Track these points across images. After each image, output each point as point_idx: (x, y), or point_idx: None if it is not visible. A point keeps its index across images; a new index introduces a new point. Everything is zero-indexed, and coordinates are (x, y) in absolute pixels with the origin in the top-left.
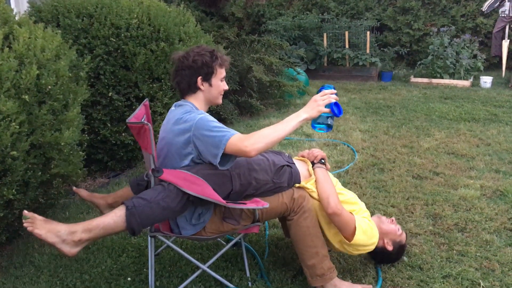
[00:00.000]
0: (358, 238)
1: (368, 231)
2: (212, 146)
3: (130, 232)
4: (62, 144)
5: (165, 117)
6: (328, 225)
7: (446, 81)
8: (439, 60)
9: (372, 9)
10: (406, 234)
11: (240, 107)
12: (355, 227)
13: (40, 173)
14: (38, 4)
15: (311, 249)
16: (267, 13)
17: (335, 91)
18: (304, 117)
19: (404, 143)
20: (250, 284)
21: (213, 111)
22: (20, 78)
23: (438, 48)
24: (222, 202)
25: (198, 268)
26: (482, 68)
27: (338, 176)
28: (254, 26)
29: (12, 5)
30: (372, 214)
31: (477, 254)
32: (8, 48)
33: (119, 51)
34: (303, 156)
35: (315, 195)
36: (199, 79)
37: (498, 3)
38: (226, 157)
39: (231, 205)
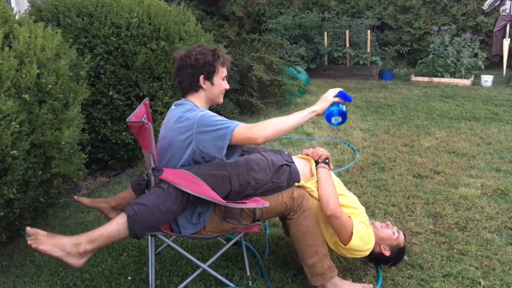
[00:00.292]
0: (354, 243)
1: (365, 237)
2: (217, 139)
3: (133, 238)
4: (62, 143)
5: (165, 116)
6: (326, 225)
7: (447, 80)
8: (439, 59)
9: (373, 8)
10: (405, 234)
11: (241, 106)
12: (352, 232)
13: (40, 172)
14: (38, 3)
15: (311, 248)
16: (268, 12)
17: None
18: (314, 109)
19: (404, 142)
20: (250, 283)
21: (213, 110)
22: (20, 77)
23: (439, 47)
24: (222, 202)
25: (198, 267)
26: (483, 67)
27: (339, 175)
28: (254, 25)
29: (13, 4)
30: (372, 214)
31: (478, 253)
32: (8, 47)
33: (119, 50)
34: (307, 155)
35: (315, 194)
36: (201, 78)
37: (499, 1)
38: (231, 149)
39: (231, 204)
